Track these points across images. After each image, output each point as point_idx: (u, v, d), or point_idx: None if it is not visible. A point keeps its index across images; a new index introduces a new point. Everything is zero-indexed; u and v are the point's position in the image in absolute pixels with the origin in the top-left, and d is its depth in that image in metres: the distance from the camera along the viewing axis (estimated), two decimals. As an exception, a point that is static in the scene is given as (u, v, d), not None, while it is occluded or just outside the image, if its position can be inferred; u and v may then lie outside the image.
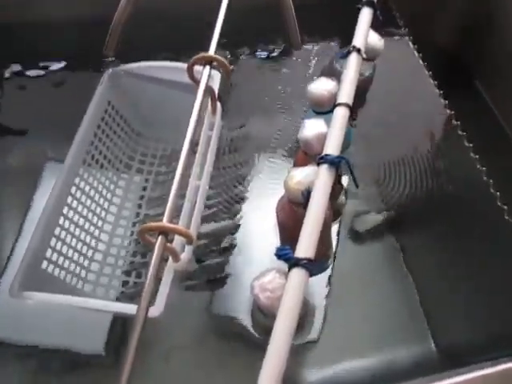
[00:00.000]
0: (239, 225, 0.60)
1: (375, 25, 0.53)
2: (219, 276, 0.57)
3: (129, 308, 0.44)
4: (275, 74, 0.76)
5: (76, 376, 0.55)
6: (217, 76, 0.59)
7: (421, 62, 0.72)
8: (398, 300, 0.60)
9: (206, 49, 0.50)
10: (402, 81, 0.73)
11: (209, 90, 0.53)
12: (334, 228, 0.64)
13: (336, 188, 0.50)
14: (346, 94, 0.42)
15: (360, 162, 0.69)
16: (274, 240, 0.57)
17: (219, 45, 0.51)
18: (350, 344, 0.57)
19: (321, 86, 0.50)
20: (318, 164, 0.38)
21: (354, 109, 0.68)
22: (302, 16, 0.68)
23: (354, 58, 0.45)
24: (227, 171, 0.64)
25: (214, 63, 0.50)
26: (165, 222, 0.40)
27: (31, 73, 0.77)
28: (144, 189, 0.66)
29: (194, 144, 0.45)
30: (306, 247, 0.34)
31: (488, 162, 0.62)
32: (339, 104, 0.42)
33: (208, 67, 0.50)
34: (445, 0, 0.79)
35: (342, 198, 0.60)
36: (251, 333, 0.54)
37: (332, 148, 0.39)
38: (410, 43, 0.75)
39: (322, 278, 0.60)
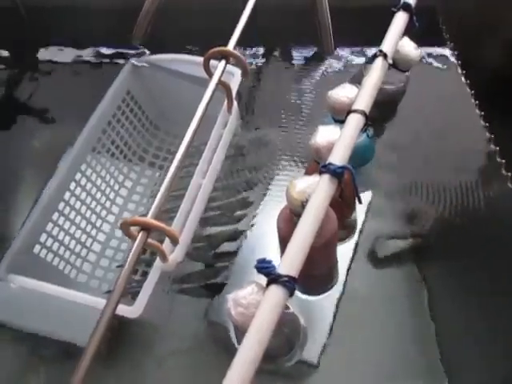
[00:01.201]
0: (242, 231, 0.57)
1: (411, 31, 0.49)
2: (216, 282, 0.54)
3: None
4: (305, 79, 0.72)
5: (67, 366, 0.54)
6: (238, 74, 0.56)
7: (463, 79, 0.67)
8: (413, 336, 0.54)
9: (239, 44, 0.48)
10: (440, 98, 0.67)
11: (225, 87, 0.51)
12: (349, 247, 0.60)
13: (348, 203, 0.46)
14: (363, 101, 0.38)
15: (387, 181, 0.64)
16: (277, 250, 0.53)
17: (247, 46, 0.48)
18: (353, 375, 0.53)
19: (341, 92, 0.46)
20: (320, 173, 0.35)
21: (382, 121, 0.64)
22: (338, 20, 0.65)
23: (378, 63, 0.41)
24: (238, 174, 0.61)
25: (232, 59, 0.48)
26: (149, 217, 0.37)
27: (62, 58, 0.78)
28: (154, 183, 0.64)
29: (193, 141, 0.42)
30: (289, 263, 0.30)
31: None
32: (354, 111, 0.38)
33: (224, 61, 0.47)
34: (499, 17, 0.73)
35: (356, 215, 0.55)
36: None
37: (337, 157, 0.35)
38: (454, 59, 0.69)
39: (330, 299, 0.56)
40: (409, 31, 0.49)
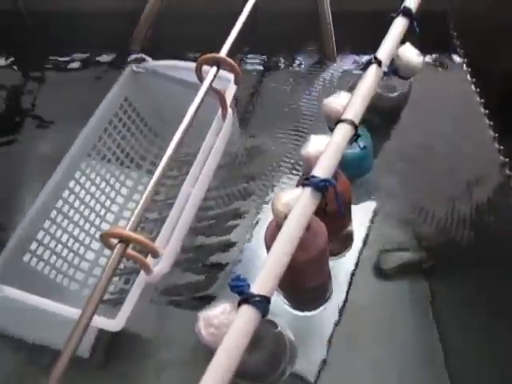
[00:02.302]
0: (235, 242, 0.55)
1: (411, 38, 0.47)
2: (208, 293, 0.52)
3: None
4: (306, 86, 0.70)
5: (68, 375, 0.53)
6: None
7: (473, 87, 0.64)
8: (418, 353, 0.52)
9: (244, 49, 0.47)
10: (448, 106, 0.65)
11: (218, 93, 0.49)
12: (349, 260, 0.58)
13: (333, 217, 0.43)
14: (353, 110, 0.37)
15: (391, 190, 0.62)
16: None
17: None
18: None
19: (336, 101, 0.44)
20: (303, 186, 0.33)
21: (385, 128, 0.62)
22: (341, 27, 0.63)
23: (371, 71, 0.40)
24: (234, 183, 0.59)
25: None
26: (128, 229, 0.36)
27: (64, 63, 0.78)
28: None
29: (180, 148, 0.41)
30: (262, 282, 0.29)
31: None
32: (342, 120, 0.36)
33: (215, 68, 0.46)
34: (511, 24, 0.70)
35: (352, 227, 0.53)
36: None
37: (321, 170, 0.33)
38: (464, 66, 0.66)
39: (329, 314, 0.54)
40: (410, 37, 0.47)
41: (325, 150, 0.34)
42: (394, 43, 0.43)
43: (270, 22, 0.62)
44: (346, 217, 0.48)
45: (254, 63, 0.72)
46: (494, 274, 0.53)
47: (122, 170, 0.63)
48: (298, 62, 0.72)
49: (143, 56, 0.63)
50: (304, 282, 0.44)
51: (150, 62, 0.63)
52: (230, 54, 0.46)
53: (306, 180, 0.33)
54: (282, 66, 0.72)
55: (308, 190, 0.32)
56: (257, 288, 0.29)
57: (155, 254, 0.37)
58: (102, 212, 0.59)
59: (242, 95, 0.67)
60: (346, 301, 0.55)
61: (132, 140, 0.63)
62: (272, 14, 0.61)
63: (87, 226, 0.57)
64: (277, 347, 0.40)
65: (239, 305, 0.28)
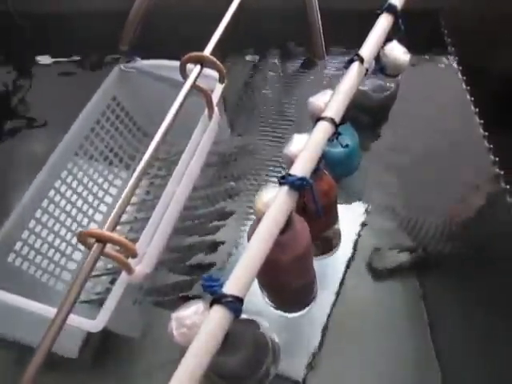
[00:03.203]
0: (221, 242, 0.55)
1: (396, 35, 0.47)
2: (192, 294, 0.52)
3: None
4: (295, 85, 0.70)
5: (50, 374, 0.53)
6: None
7: (464, 85, 0.63)
8: (412, 355, 0.51)
9: (234, 49, 0.47)
10: (438, 105, 0.64)
11: (204, 92, 0.49)
12: (340, 260, 0.57)
13: (313, 216, 0.43)
14: (333, 108, 0.36)
15: (383, 191, 0.62)
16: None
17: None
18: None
19: (320, 99, 0.44)
20: (279, 185, 0.32)
21: (373, 127, 0.61)
22: (330, 25, 0.63)
23: (353, 68, 0.39)
24: (221, 182, 0.59)
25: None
26: (105, 229, 0.35)
27: (54, 63, 0.78)
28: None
29: (160, 147, 0.40)
30: (235, 282, 0.28)
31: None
32: (321, 118, 0.36)
33: (199, 66, 0.46)
34: (503, 23, 0.69)
35: (339, 227, 0.53)
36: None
37: (298, 168, 0.32)
38: (455, 64, 0.66)
39: (318, 313, 0.54)
40: (402, 35, 0.47)
41: (303, 149, 0.34)
42: (378, 40, 0.42)
43: (259, 20, 0.61)
44: (331, 216, 0.47)
45: (244, 62, 0.72)
46: (487, 273, 0.53)
47: (111, 170, 0.62)
48: (287, 61, 0.72)
49: (132, 55, 0.63)
50: (288, 282, 0.43)
51: (139, 61, 0.63)
52: (220, 53, 0.45)
53: (282, 178, 0.32)
54: (271, 65, 0.72)
55: (284, 189, 0.32)
56: (229, 288, 0.28)
57: (134, 254, 0.37)
58: (90, 212, 0.59)
59: (231, 94, 0.67)
60: (335, 301, 0.54)
61: (120, 139, 0.63)
62: (262, 13, 0.61)
63: (74, 225, 0.57)
64: (258, 348, 0.40)
65: (211, 305, 0.28)
